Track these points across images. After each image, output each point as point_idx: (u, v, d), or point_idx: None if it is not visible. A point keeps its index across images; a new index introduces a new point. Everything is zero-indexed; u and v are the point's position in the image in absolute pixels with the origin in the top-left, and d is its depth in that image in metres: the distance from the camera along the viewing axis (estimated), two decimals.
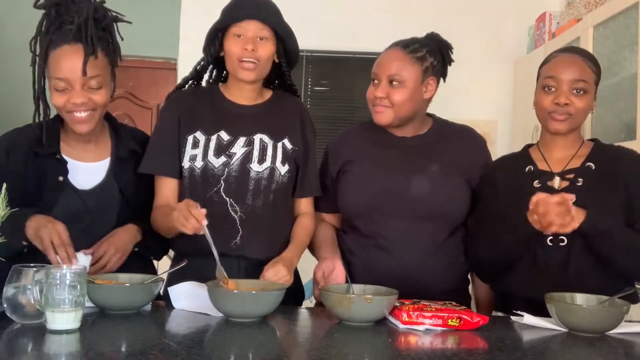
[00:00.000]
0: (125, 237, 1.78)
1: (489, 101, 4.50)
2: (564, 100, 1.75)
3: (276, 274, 1.68)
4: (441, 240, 1.87)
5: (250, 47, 1.77)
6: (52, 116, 1.81)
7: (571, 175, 1.78)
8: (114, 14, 1.78)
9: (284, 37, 1.84)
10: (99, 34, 1.71)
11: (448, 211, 1.88)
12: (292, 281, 1.73)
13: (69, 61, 1.67)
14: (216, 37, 1.84)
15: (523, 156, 1.89)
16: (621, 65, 3.07)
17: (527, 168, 1.83)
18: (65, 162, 1.77)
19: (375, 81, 1.88)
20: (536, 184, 1.79)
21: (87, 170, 1.79)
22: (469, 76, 4.40)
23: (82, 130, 1.74)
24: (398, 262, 1.83)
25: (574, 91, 1.76)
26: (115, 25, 1.79)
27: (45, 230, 1.57)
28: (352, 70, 4.53)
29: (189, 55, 4.45)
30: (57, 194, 1.74)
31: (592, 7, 3.53)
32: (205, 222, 1.59)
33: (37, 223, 1.59)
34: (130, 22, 1.80)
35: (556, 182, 1.78)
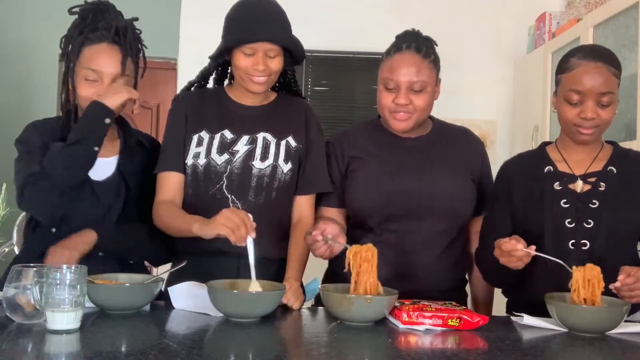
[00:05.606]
0: None
1: (489, 101, 4.50)
2: (591, 115, 1.70)
3: (298, 296, 1.70)
4: (451, 239, 1.89)
5: (261, 67, 1.77)
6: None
7: (593, 179, 1.75)
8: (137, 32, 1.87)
9: (291, 49, 1.86)
10: (134, 43, 1.81)
11: (460, 210, 1.88)
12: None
13: (106, 56, 1.76)
14: (224, 51, 1.84)
15: (540, 155, 1.85)
16: (621, 65, 3.06)
17: (547, 169, 1.80)
18: None
19: (391, 88, 1.84)
20: (557, 186, 1.75)
21: (100, 164, 1.81)
22: (469, 76, 4.40)
23: None
24: (410, 261, 1.84)
25: (600, 104, 1.71)
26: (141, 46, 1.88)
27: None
28: (352, 70, 4.52)
29: (189, 55, 4.51)
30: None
31: (592, 7, 3.52)
32: (253, 235, 1.58)
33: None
34: (146, 48, 1.89)
35: (579, 186, 1.75)
